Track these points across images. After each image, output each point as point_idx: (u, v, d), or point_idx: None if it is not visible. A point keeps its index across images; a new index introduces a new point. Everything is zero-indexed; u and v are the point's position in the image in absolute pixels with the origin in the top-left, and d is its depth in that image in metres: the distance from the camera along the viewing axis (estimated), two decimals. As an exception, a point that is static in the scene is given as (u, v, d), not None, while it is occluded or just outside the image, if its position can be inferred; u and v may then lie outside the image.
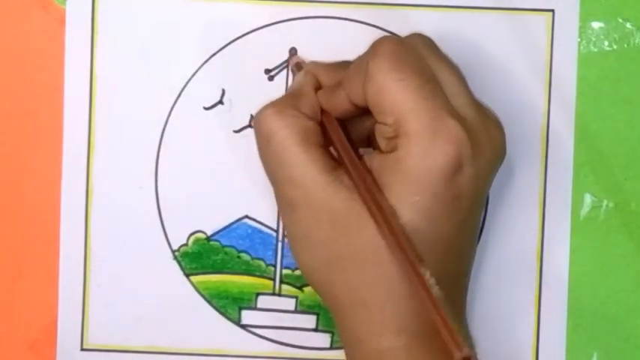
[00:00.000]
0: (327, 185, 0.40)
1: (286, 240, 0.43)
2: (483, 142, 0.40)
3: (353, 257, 0.40)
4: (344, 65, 0.44)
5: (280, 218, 0.43)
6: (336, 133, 0.42)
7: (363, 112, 0.42)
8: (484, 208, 0.43)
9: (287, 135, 0.41)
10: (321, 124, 0.43)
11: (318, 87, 0.44)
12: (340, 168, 0.41)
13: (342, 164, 0.41)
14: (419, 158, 0.39)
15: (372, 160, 0.41)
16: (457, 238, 0.40)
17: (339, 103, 0.42)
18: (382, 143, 0.41)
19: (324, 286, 0.41)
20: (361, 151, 0.43)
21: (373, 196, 0.39)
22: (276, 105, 0.42)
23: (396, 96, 0.39)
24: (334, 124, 0.42)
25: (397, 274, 0.39)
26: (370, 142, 0.43)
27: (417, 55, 0.41)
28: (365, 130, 0.43)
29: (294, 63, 0.46)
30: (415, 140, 0.39)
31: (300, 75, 0.45)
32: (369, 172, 0.40)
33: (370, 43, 0.41)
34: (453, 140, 0.39)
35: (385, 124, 0.40)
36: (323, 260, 0.41)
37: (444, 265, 0.39)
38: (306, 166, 0.40)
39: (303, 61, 0.46)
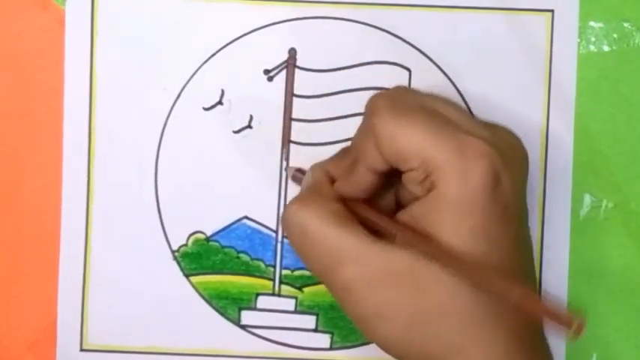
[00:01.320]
0: (381, 250, 0.39)
1: (356, 323, 0.41)
2: (507, 152, 0.40)
3: (432, 310, 0.39)
4: (347, 150, 0.44)
5: (340, 305, 0.41)
6: (366, 210, 0.42)
7: (385, 184, 0.42)
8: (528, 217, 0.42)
9: (321, 221, 0.40)
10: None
11: (332, 181, 0.43)
12: (384, 238, 0.40)
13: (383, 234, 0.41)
14: (459, 185, 0.38)
15: (412, 210, 0.40)
16: (516, 255, 0.40)
17: (360, 178, 0.42)
18: (417, 190, 0.40)
19: (411, 349, 0.40)
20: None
21: (431, 244, 0.39)
22: (299, 199, 0.42)
23: (411, 139, 0.39)
24: (361, 204, 0.42)
25: (479, 310, 0.38)
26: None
27: (412, 99, 0.41)
28: (391, 203, 0.43)
29: (293, 171, 0.46)
30: (448, 170, 0.38)
31: (309, 173, 0.45)
32: (418, 231, 0.40)
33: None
34: (483, 155, 0.39)
35: (412, 170, 0.39)
36: (403, 325, 0.39)
37: None
38: (352, 242, 0.40)
39: (301, 169, 0.46)
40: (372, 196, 0.42)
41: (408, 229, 0.40)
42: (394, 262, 0.39)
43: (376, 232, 0.41)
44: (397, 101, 0.40)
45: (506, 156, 0.39)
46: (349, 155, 0.43)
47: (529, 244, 0.42)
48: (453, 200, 0.39)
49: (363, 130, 0.42)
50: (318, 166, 0.45)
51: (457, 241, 0.38)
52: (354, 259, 0.39)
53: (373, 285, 0.39)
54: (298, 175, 0.46)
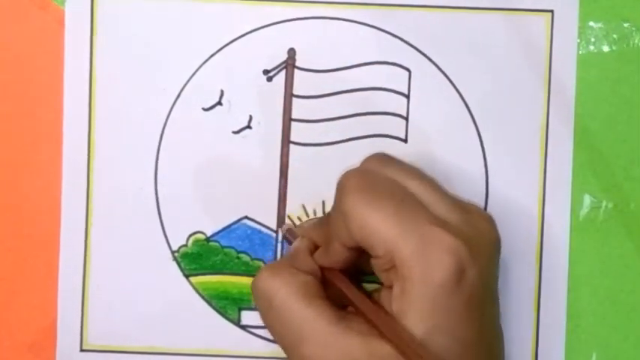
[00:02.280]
0: (341, 335, 0.39)
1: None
2: (476, 240, 0.39)
3: None
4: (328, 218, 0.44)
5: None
6: (340, 280, 0.42)
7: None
8: (498, 301, 0.42)
9: (288, 293, 0.40)
10: (324, 280, 0.42)
11: (313, 249, 0.44)
12: (347, 315, 0.40)
13: (351, 311, 0.41)
14: (421, 282, 0.38)
15: (379, 295, 0.41)
16: (481, 339, 0.39)
17: (336, 254, 0.42)
18: (382, 277, 0.40)
19: None
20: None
21: (394, 330, 0.38)
22: (271, 267, 0.42)
23: (378, 227, 0.39)
24: (337, 274, 0.42)
25: None
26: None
27: (384, 179, 0.40)
28: (364, 262, 0.43)
29: (285, 230, 0.46)
30: (412, 264, 0.38)
31: (297, 241, 0.45)
32: (383, 309, 0.40)
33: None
34: (448, 249, 0.38)
35: (379, 257, 0.39)
36: None
37: None
38: (314, 321, 0.40)
39: (294, 227, 0.46)
40: (352, 265, 0.43)
41: (376, 312, 0.40)
42: (352, 347, 0.39)
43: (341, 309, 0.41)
44: (368, 181, 0.40)
45: (475, 245, 0.39)
46: (327, 224, 0.43)
47: (495, 331, 0.41)
48: (416, 297, 0.38)
49: (335, 207, 0.41)
50: (305, 231, 0.45)
51: (421, 335, 0.38)
52: (315, 339, 0.39)
53: None
54: (287, 236, 0.46)
